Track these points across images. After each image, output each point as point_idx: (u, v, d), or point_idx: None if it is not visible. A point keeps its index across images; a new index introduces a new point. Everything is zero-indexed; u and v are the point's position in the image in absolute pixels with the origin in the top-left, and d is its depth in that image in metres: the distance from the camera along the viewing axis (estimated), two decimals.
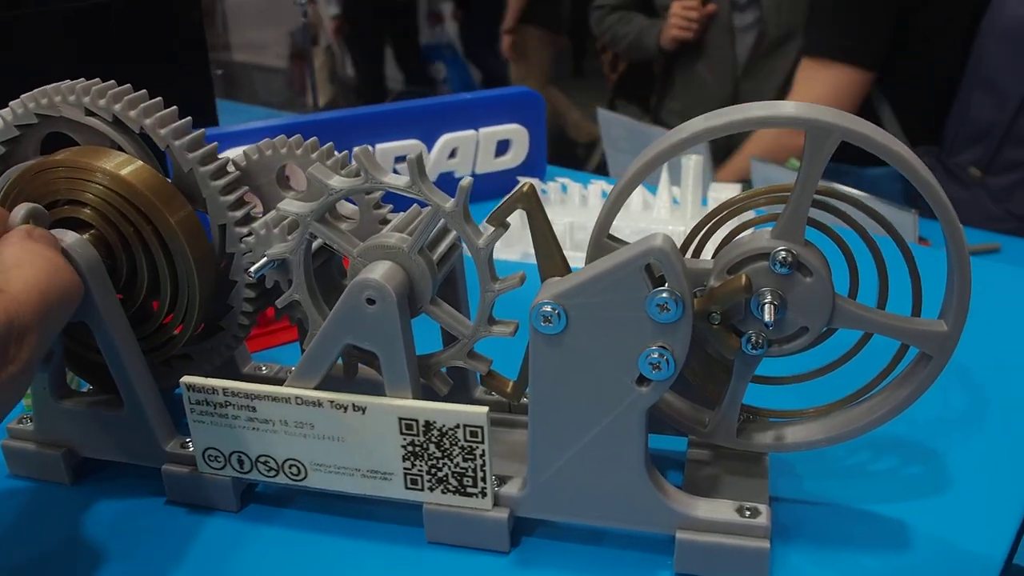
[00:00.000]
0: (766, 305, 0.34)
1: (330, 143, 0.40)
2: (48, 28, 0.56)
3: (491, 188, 0.77)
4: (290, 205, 0.37)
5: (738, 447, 0.39)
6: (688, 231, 0.38)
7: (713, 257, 0.36)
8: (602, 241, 0.36)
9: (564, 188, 0.74)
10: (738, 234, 0.36)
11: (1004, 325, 0.56)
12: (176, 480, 0.41)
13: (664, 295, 0.32)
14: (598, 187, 0.73)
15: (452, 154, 0.78)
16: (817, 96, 1.09)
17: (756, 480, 0.39)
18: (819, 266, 0.34)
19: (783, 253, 0.33)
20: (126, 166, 0.38)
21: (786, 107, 0.33)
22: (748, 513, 0.35)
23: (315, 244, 0.39)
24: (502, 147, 0.80)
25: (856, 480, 0.42)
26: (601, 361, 0.34)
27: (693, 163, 0.72)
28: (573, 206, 0.72)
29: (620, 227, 0.67)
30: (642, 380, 0.34)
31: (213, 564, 0.38)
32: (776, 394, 0.40)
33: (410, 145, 0.75)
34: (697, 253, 0.38)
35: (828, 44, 1.09)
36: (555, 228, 0.36)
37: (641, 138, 1.32)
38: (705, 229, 0.37)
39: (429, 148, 0.76)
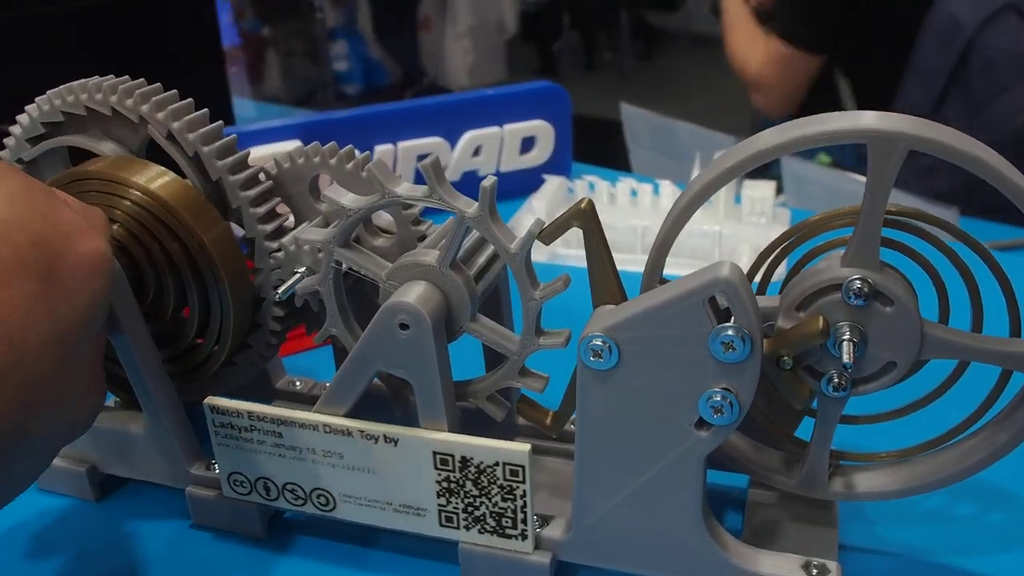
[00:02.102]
0: (844, 343, 0.30)
1: (366, 153, 0.37)
2: (56, 26, 0.54)
3: (516, 186, 0.75)
4: (309, 233, 0.34)
5: (804, 493, 0.35)
6: (753, 259, 0.34)
7: (782, 290, 0.32)
8: (661, 262, 0.32)
9: (592, 186, 0.71)
10: (804, 264, 0.32)
11: None
12: (201, 503, 0.39)
13: (730, 332, 0.29)
14: (627, 185, 0.70)
15: (476, 152, 0.75)
16: (773, 67, 1.20)
17: (824, 529, 0.35)
18: (900, 292, 0.30)
19: (857, 283, 0.30)
20: (156, 180, 0.36)
21: (865, 118, 0.29)
22: (816, 571, 0.32)
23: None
24: (527, 144, 0.77)
25: (934, 527, 0.38)
26: (657, 401, 0.31)
27: None
28: (601, 205, 0.69)
29: (650, 227, 0.65)
30: (702, 424, 0.31)
31: None
32: (847, 432, 0.36)
33: (433, 143, 0.73)
34: (764, 285, 0.34)
35: (783, 30, 1.20)
36: None
37: (664, 133, 1.28)
38: (772, 258, 0.33)
39: (452, 146, 0.74)
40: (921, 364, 0.33)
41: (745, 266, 0.31)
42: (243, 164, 0.36)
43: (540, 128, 0.77)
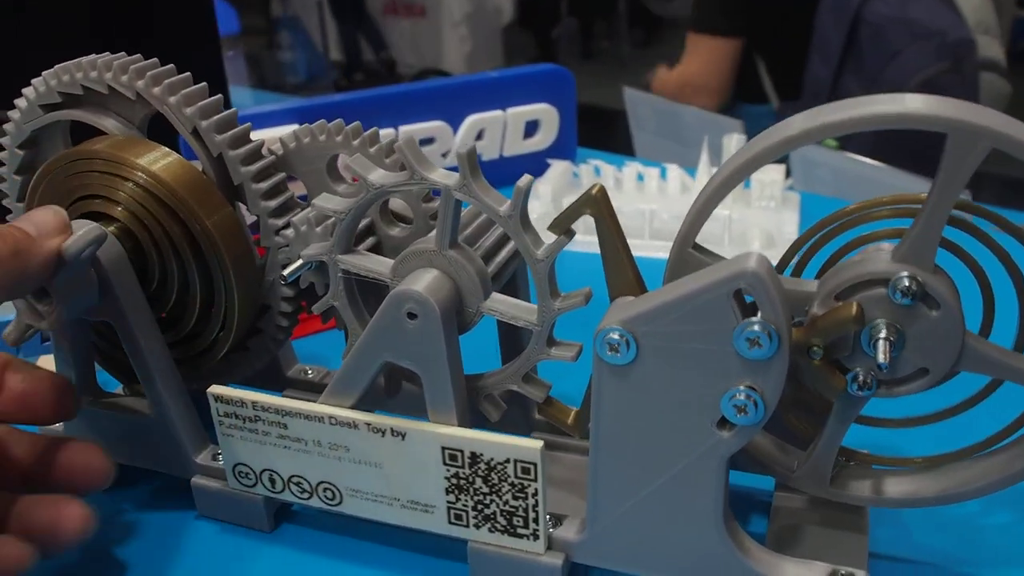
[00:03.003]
0: (880, 341, 0.28)
1: (374, 128, 0.36)
2: (53, 4, 0.53)
3: (520, 171, 0.73)
4: (328, 201, 0.33)
5: (831, 498, 0.33)
6: (786, 247, 0.32)
7: (818, 278, 0.31)
8: (687, 252, 0.30)
9: (597, 171, 0.69)
10: (847, 252, 0.30)
11: None
12: (206, 494, 0.38)
13: (756, 328, 0.27)
14: (633, 169, 0.68)
15: (479, 136, 0.73)
16: (700, 64, 1.30)
17: (854, 536, 0.34)
18: (949, 298, 0.28)
19: (907, 280, 0.28)
20: (159, 161, 0.35)
21: (915, 102, 0.27)
22: None
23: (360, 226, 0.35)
24: (531, 128, 0.75)
25: (969, 535, 0.36)
26: (676, 399, 0.29)
27: (735, 143, 0.67)
28: (608, 189, 0.67)
29: (658, 211, 0.63)
30: (724, 423, 0.29)
31: None
32: (877, 434, 0.34)
33: (435, 127, 0.71)
34: (798, 272, 0.32)
35: (700, 19, 1.30)
36: None
37: (669, 118, 1.27)
38: (808, 245, 0.31)
39: (455, 130, 0.72)
40: (952, 374, 0.31)
41: (756, 251, 0.29)
42: (244, 138, 0.35)
43: (544, 112, 0.75)
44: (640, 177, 0.68)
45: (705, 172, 0.68)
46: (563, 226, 0.31)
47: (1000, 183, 1.42)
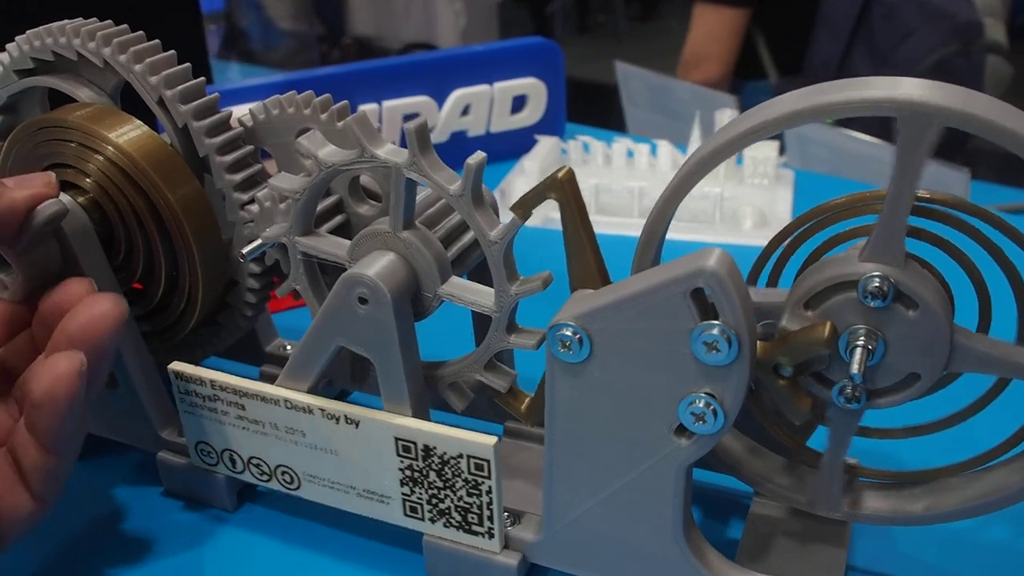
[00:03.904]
0: (856, 350, 0.26)
1: (344, 101, 0.34)
2: None
3: (507, 148, 0.71)
4: (282, 181, 0.31)
5: (814, 511, 0.31)
6: (781, 227, 0.29)
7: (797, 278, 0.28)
8: (655, 242, 0.28)
9: (586, 147, 0.66)
10: (823, 253, 0.28)
11: None
12: (171, 470, 0.37)
13: (715, 332, 0.25)
14: (623, 145, 0.66)
15: (465, 111, 0.71)
16: (705, 35, 1.27)
17: (831, 550, 0.31)
18: (927, 295, 0.25)
19: (876, 281, 0.25)
20: (125, 134, 0.34)
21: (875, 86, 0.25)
22: None
23: (324, 206, 0.33)
24: (518, 103, 0.73)
25: (958, 551, 0.34)
26: (632, 401, 0.27)
27: (727, 118, 0.64)
28: (596, 167, 0.65)
29: (648, 189, 0.61)
30: (682, 431, 0.27)
31: (195, 567, 0.34)
32: (868, 446, 0.32)
33: (419, 102, 0.69)
34: (775, 276, 0.30)
35: None
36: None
37: (662, 93, 1.22)
38: (785, 245, 0.29)
39: (440, 104, 0.70)
40: (954, 376, 0.29)
41: (748, 231, 0.27)
42: (211, 110, 0.33)
43: (532, 86, 0.72)
44: (630, 153, 0.66)
45: (695, 149, 0.65)
46: (526, 209, 0.29)
47: (998, 159, 1.36)
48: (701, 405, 0.26)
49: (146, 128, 0.34)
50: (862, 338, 0.26)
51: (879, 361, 0.27)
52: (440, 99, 0.70)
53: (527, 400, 0.32)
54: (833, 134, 0.92)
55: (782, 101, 0.26)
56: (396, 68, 0.68)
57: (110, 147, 0.33)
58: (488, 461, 0.30)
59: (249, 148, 0.34)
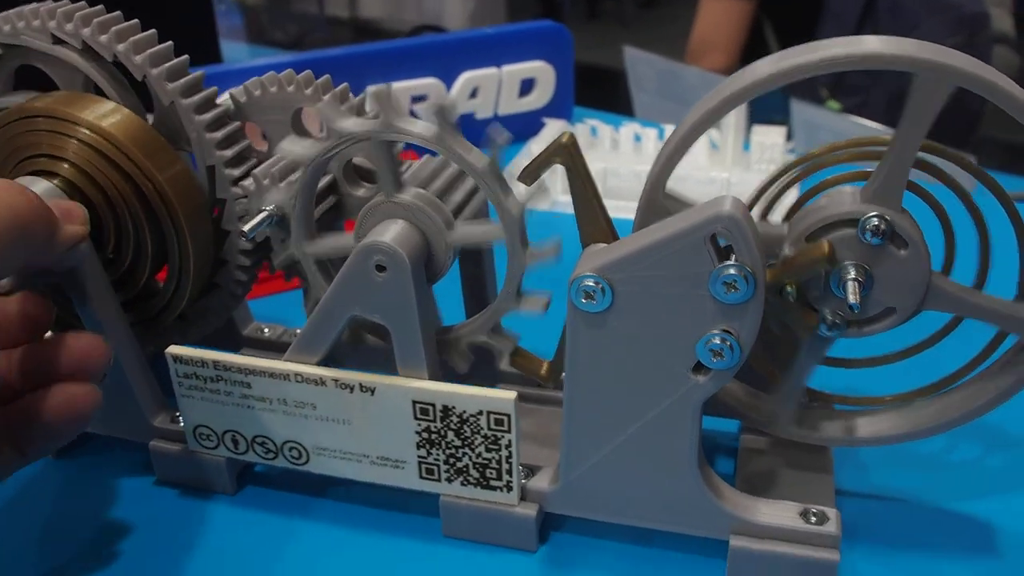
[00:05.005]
0: (850, 282, 0.28)
1: (344, 84, 0.34)
2: None
3: (514, 130, 0.72)
4: (294, 144, 0.31)
5: (798, 439, 0.34)
6: (756, 189, 0.32)
7: (785, 221, 0.31)
8: (657, 200, 0.30)
9: (594, 131, 0.68)
10: (813, 195, 0.31)
11: None
12: (165, 458, 0.37)
13: (732, 272, 0.27)
14: (630, 130, 0.67)
15: (473, 94, 0.72)
16: (711, 24, 1.27)
17: (820, 475, 0.34)
18: (916, 238, 0.28)
19: (876, 220, 0.28)
20: (108, 117, 0.33)
21: (871, 43, 0.27)
22: (814, 518, 0.31)
23: (321, 185, 0.33)
24: (526, 86, 0.74)
25: (932, 473, 0.37)
26: (652, 345, 0.29)
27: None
28: (604, 150, 0.66)
29: None
30: (699, 368, 0.29)
31: (204, 553, 0.34)
32: (842, 377, 0.35)
33: (427, 84, 0.69)
34: (765, 215, 0.32)
35: None
36: None
37: (670, 78, 1.26)
38: (774, 188, 0.32)
39: (448, 87, 0.70)
40: (916, 313, 0.32)
41: (755, 215, 0.29)
42: (197, 87, 0.33)
43: (540, 69, 0.73)
44: (637, 138, 0.67)
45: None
46: (533, 175, 0.30)
47: (1003, 148, 1.45)
48: (718, 342, 0.28)
49: (128, 110, 0.34)
50: (853, 271, 0.29)
51: (866, 295, 0.29)
52: (448, 81, 0.70)
53: (546, 363, 0.34)
54: (840, 120, 0.96)
55: (797, 52, 0.28)
56: (405, 50, 0.68)
57: (91, 131, 0.33)
58: (508, 415, 0.31)
59: (237, 124, 0.35)
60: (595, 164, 0.62)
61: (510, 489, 0.32)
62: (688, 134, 0.29)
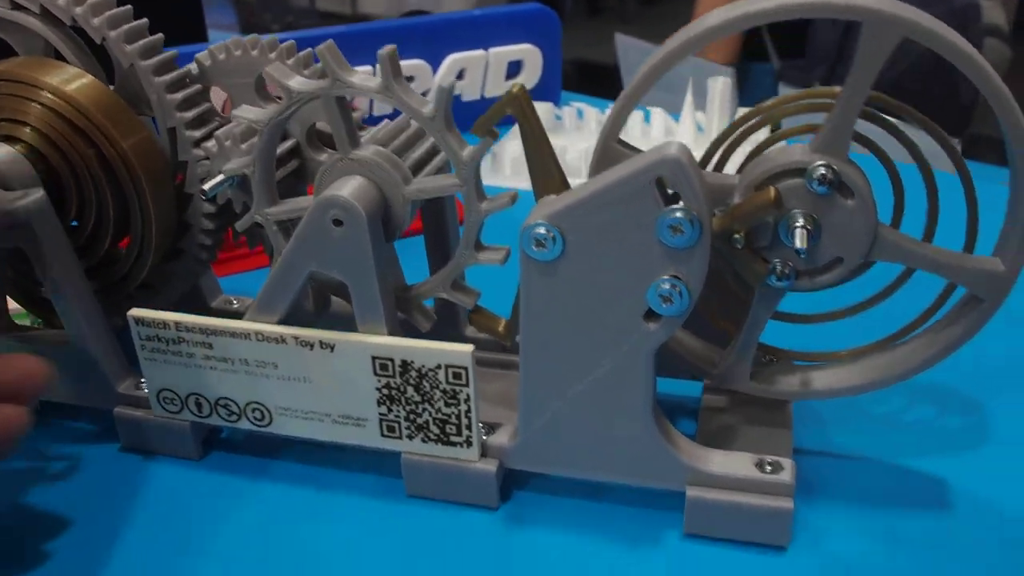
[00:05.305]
0: (798, 229, 0.29)
1: (308, 50, 0.35)
2: None
3: None
4: (248, 112, 0.32)
5: (757, 393, 0.34)
6: (711, 143, 0.32)
7: (738, 173, 0.31)
8: (610, 147, 0.31)
9: (580, 114, 0.69)
10: (768, 147, 0.31)
11: None
12: (130, 424, 0.37)
13: (678, 215, 0.27)
14: None
15: (460, 75, 0.72)
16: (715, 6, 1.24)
17: (778, 430, 0.34)
18: (863, 187, 0.29)
19: (822, 169, 0.28)
20: (71, 82, 0.33)
21: None
22: (769, 468, 0.31)
23: (280, 149, 0.34)
24: (513, 69, 0.75)
25: (889, 431, 0.38)
26: (603, 293, 0.29)
27: (720, 86, 0.67)
28: (590, 132, 0.67)
29: None
30: (651, 315, 0.29)
31: (170, 519, 0.34)
32: (798, 333, 0.35)
33: (414, 65, 0.70)
34: (719, 169, 0.33)
35: None
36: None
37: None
38: (729, 140, 0.32)
39: (435, 69, 0.71)
40: (867, 266, 0.32)
41: (676, 141, 0.29)
42: (156, 49, 0.34)
43: (528, 52, 0.74)
44: None
45: (689, 115, 0.67)
46: (486, 127, 0.31)
47: (999, 144, 1.45)
48: (667, 287, 0.28)
49: (91, 76, 0.34)
50: (801, 219, 0.29)
51: (815, 244, 0.30)
52: (435, 63, 0.70)
53: (504, 321, 0.34)
54: None
55: (750, 0, 0.28)
56: (391, 31, 0.69)
57: (55, 96, 0.33)
58: (466, 368, 0.31)
59: (198, 87, 0.35)
60: (580, 144, 0.63)
61: (470, 444, 0.33)
62: (639, 84, 0.30)
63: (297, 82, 0.31)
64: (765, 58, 1.35)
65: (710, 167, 0.33)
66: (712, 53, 1.28)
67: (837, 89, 0.29)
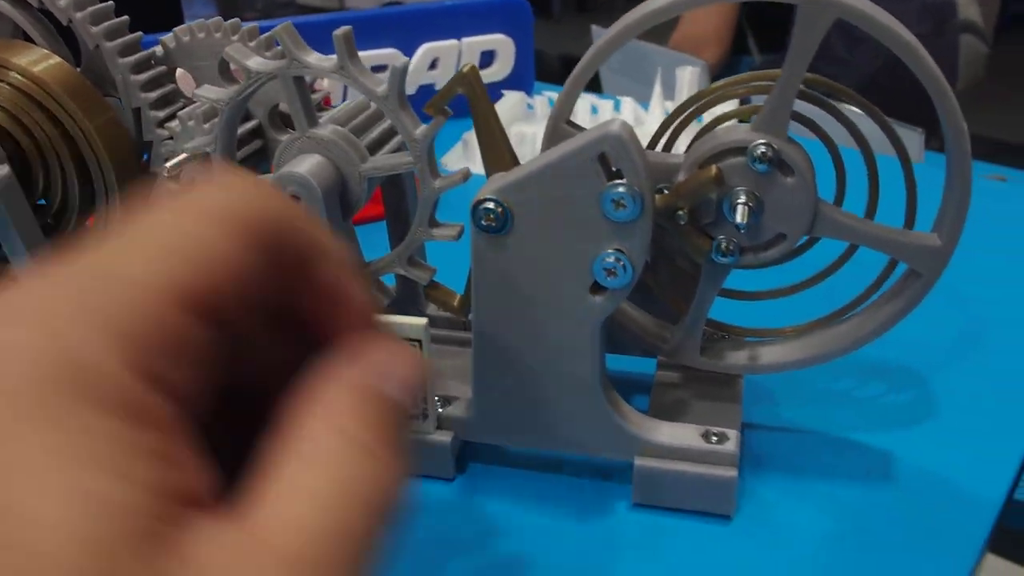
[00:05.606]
0: (739, 206, 0.30)
1: (254, 24, 0.36)
2: None
3: None
4: (208, 91, 0.33)
5: (706, 368, 0.35)
6: (660, 124, 0.33)
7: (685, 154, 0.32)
8: (560, 127, 0.32)
9: (551, 102, 0.70)
10: (714, 128, 0.32)
11: (1004, 246, 0.52)
12: None
13: (620, 190, 0.28)
14: (586, 102, 0.69)
15: (433, 65, 0.73)
16: (698, 19, 1.30)
17: (728, 405, 0.35)
18: (802, 165, 0.30)
19: (762, 148, 0.29)
20: (39, 63, 0.34)
21: None
22: (715, 438, 0.32)
23: (243, 130, 0.35)
24: (486, 59, 0.75)
25: (838, 407, 0.39)
26: (550, 266, 0.30)
27: (688, 75, 0.68)
28: None
29: None
30: (597, 288, 0.30)
31: None
32: (749, 311, 0.36)
33: (387, 54, 0.70)
34: (668, 150, 0.34)
35: None
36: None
37: (636, 56, 1.27)
38: (678, 122, 0.33)
39: (408, 57, 0.71)
40: (810, 244, 0.33)
41: (620, 119, 0.30)
42: (121, 31, 0.35)
43: (500, 42, 0.75)
44: (594, 110, 0.69)
45: (658, 104, 0.68)
46: (439, 106, 0.31)
47: (991, 145, 1.46)
48: (612, 260, 0.29)
49: (59, 58, 0.35)
50: (743, 196, 0.30)
51: (756, 221, 0.31)
52: (408, 53, 0.71)
53: (458, 297, 0.35)
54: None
55: None
56: (364, 20, 0.69)
57: (23, 76, 0.34)
58: (420, 341, 0.32)
59: (162, 68, 0.36)
60: None
61: (426, 416, 0.34)
62: (585, 67, 0.30)
63: (255, 62, 0.31)
64: (745, 51, 1.37)
65: (659, 148, 0.34)
66: (704, 53, 1.29)
67: (779, 72, 0.30)
